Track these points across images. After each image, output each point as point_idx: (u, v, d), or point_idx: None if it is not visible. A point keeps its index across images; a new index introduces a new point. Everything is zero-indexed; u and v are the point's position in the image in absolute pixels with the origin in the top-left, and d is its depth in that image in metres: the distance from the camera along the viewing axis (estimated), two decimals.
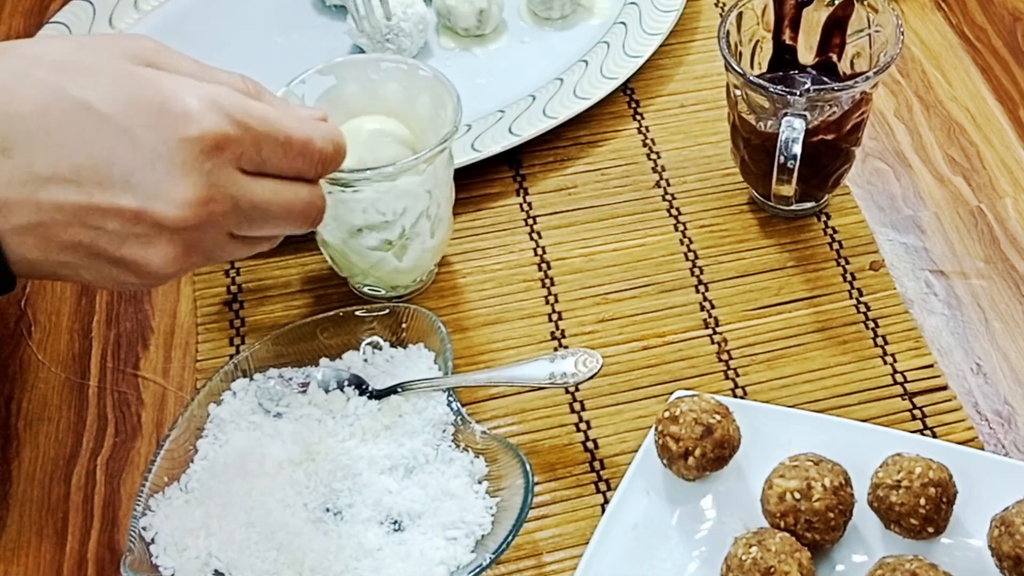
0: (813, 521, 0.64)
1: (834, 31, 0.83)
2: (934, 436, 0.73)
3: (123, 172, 0.56)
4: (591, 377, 0.71)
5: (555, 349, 0.79)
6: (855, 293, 0.82)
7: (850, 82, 0.79)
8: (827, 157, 0.81)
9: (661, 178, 0.90)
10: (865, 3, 0.82)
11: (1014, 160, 0.90)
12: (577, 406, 0.76)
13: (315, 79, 0.78)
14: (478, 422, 0.72)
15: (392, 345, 0.76)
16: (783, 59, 0.85)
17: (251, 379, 0.74)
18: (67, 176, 0.56)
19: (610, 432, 0.75)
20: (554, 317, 0.81)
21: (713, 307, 0.82)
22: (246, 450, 0.70)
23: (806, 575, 0.62)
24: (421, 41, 0.98)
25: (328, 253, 0.81)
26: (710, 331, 0.80)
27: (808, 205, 0.86)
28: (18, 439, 0.76)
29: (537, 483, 0.72)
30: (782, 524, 0.64)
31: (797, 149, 0.76)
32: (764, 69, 0.85)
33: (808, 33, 0.84)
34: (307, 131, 0.62)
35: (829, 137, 0.80)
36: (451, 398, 0.73)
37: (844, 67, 0.84)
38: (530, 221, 0.88)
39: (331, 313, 0.77)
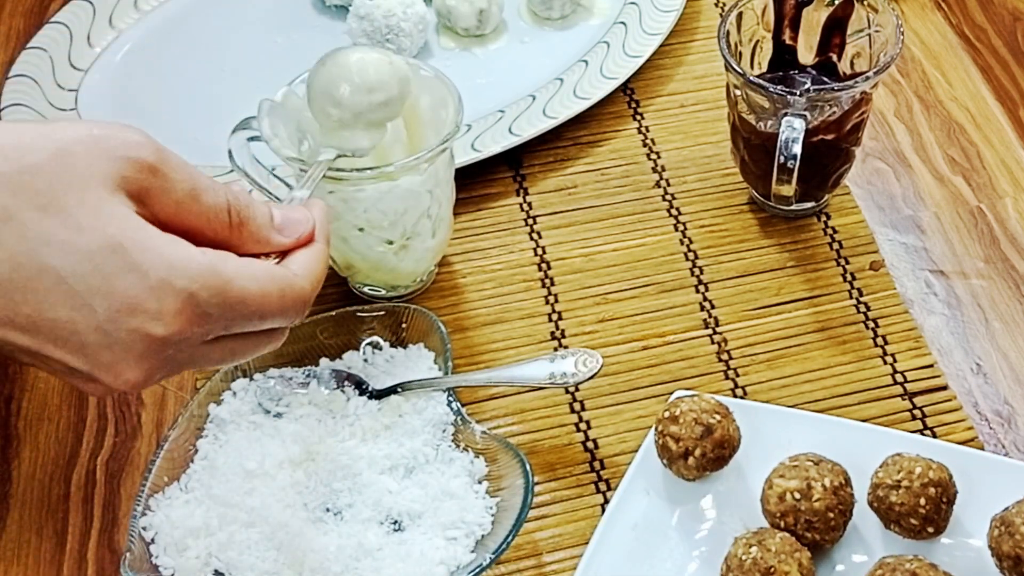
0: (813, 521, 0.64)
1: (834, 31, 0.83)
2: (934, 436, 0.73)
3: (79, 342, 0.54)
4: (591, 377, 0.71)
5: (555, 349, 0.79)
6: (855, 293, 0.82)
7: (850, 82, 0.79)
8: (827, 157, 0.81)
9: (661, 178, 0.90)
10: (865, 3, 0.82)
11: (1014, 160, 0.90)
12: (577, 406, 0.76)
13: None
14: (478, 422, 0.72)
15: (392, 345, 0.76)
16: (783, 59, 0.84)
17: (251, 379, 0.74)
18: (23, 325, 0.54)
19: (610, 432, 0.75)
20: (554, 317, 0.82)
21: (713, 307, 0.82)
22: (246, 450, 0.70)
23: (806, 575, 0.62)
24: (421, 41, 0.98)
25: (328, 253, 0.81)
26: (710, 331, 0.80)
27: (808, 205, 0.86)
28: (18, 439, 0.76)
29: (537, 483, 0.72)
30: (782, 524, 0.64)
31: (797, 149, 0.76)
32: (764, 69, 0.85)
33: (808, 33, 0.84)
34: (284, 301, 0.58)
35: (829, 137, 0.80)
36: (451, 398, 0.73)
37: (844, 67, 0.84)
38: (530, 221, 0.88)
39: (331, 313, 0.77)
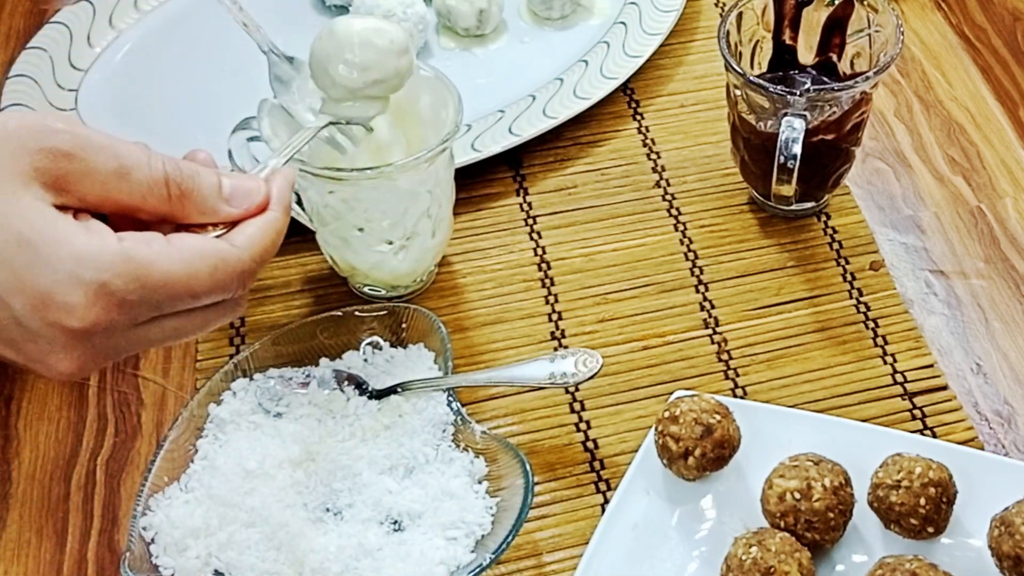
0: (813, 521, 0.64)
1: (834, 31, 0.83)
2: (934, 436, 0.73)
3: (8, 337, 0.54)
4: (591, 377, 0.71)
5: (555, 349, 0.79)
6: (855, 293, 0.82)
7: (850, 82, 0.79)
8: (827, 157, 0.81)
9: (661, 178, 0.90)
10: (865, 3, 0.82)
11: (1014, 160, 0.90)
12: (577, 406, 0.76)
13: None
14: (478, 422, 0.72)
15: (392, 345, 0.76)
16: (783, 59, 0.84)
17: (251, 379, 0.74)
18: None
19: (610, 432, 0.75)
20: (554, 317, 0.81)
21: (713, 307, 0.82)
22: (246, 450, 0.70)
23: (806, 575, 0.62)
24: (421, 41, 0.98)
25: (328, 253, 0.81)
26: (710, 331, 0.80)
27: (808, 205, 0.86)
28: (18, 439, 0.76)
29: (537, 483, 0.72)
30: (782, 524, 0.64)
31: (797, 149, 0.76)
32: (764, 69, 0.85)
33: (808, 33, 0.84)
34: (216, 276, 0.57)
35: (829, 137, 0.80)
36: (451, 398, 0.73)
37: (844, 67, 0.84)
38: (530, 221, 0.88)
39: (331, 313, 0.77)
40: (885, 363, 0.78)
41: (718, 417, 0.67)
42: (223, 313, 0.60)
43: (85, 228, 0.54)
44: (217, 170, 0.60)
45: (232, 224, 0.59)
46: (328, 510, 0.69)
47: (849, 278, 0.83)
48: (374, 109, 0.73)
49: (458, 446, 0.71)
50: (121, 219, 0.57)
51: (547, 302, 0.82)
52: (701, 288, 0.83)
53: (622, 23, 0.99)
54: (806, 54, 0.85)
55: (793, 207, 0.82)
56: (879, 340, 0.79)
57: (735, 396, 0.76)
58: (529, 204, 0.89)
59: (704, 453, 0.66)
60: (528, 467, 0.67)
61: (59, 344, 0.54)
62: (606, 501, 0.71)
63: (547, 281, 0.84)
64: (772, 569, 0.61)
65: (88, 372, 0.57)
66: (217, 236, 0.58)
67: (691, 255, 0.85)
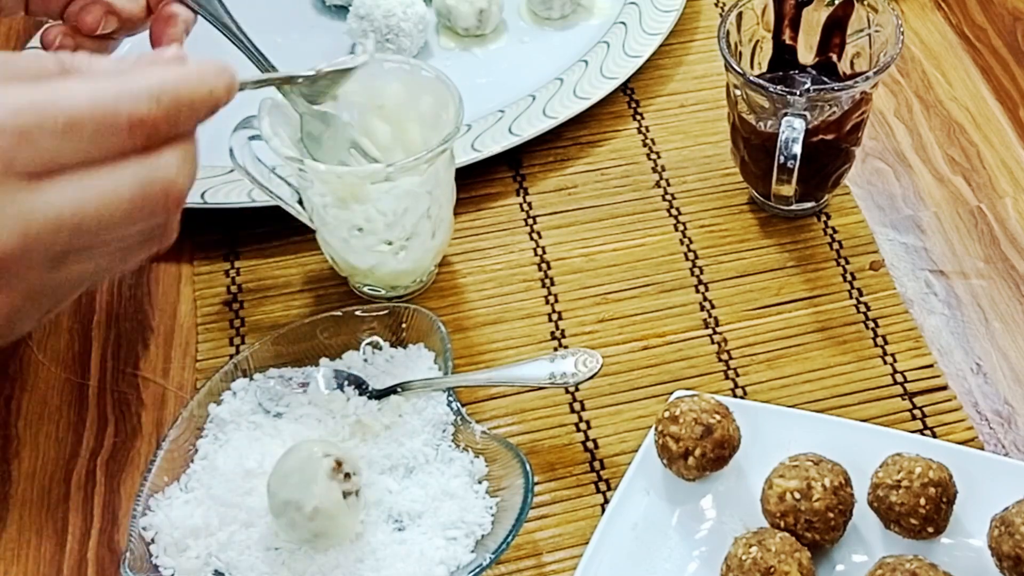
0: (813, 521, 0.64)
1: (834, 31, 0.83)
2: (934, 436, 0.73)
3: None
4: (591, 377, 0.71)
5: (555, 349, 0.79)
6: (855, 293, 0.82)
7: (850, 82, 0.79)
8: (827, 157, 0.81)
9: (661, 178, 0.90)
10: (865, 3, 0.82)
11: (1014, 160, 0.90)
12: (577, 406, 0.76)
13: None
14: (478, 422, 0.72)
15: (392, 345, 0.76)
16: (783, 59, 0.85)
17: (251, 379, 0.74)
18: None
19: (610, 432, 0.75)
20: (554, 317, 0.81)
21: (713, 307, 0.82)
22: (246, 450, 0.70)
23: (806, 575, 0.62)
24: (421, 41, 0.98)
25: (328, 253, 0.81)
26: (710, 331, 0.80)
27: (808, 205, 0.86)
28: (18, 439, 0.76)
29: (537, 483, 0.72)
30: (782, 524, 0.64)
31: (797, 149, 0.76)
32: (764, 69, 0.85)
33: (808, 33, 0.84)
34: (116, 91, 0.46)
35: (829, 137, 0.80)
36: (451, 398, 0.73)
37: (844, 67, 0.84)
38: (530, 221, 0.88)
39: (331, 313, 0.77)
40: (885, 363, 0.78)
41: (718, 417, 0.67)
42: (144, 196, 0.48)
43: None
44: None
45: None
46: None
47: (849, 278, 0.83)
48: None
49: (458, 446, 0.71)
50: None
51: (547, 302, 0.82)
52: (701, 288, 0.83)
53: (622, 23, 0.99)
54: (806, 54, 0.85)
55: (793, 207, 0.82)
56: (879, 340, 0.79)
57: (735, 396, 0.76)
58: (529, 204, 0.89)
59: (704, 453, 0.66)
60: (528, 467, 0.67)
61: None
62: (606, 501, 0.71)
63: (547, 281, 0.84)
64: (772, 569, 0.61)
65: (26, 324, 0.47)
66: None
67: (691, 255, 0.85)
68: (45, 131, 0.45)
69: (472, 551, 0.66)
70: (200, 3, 0.76)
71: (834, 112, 0.79)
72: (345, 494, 0.65)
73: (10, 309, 0.46)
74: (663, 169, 0.91)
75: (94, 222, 0.46)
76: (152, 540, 0.67)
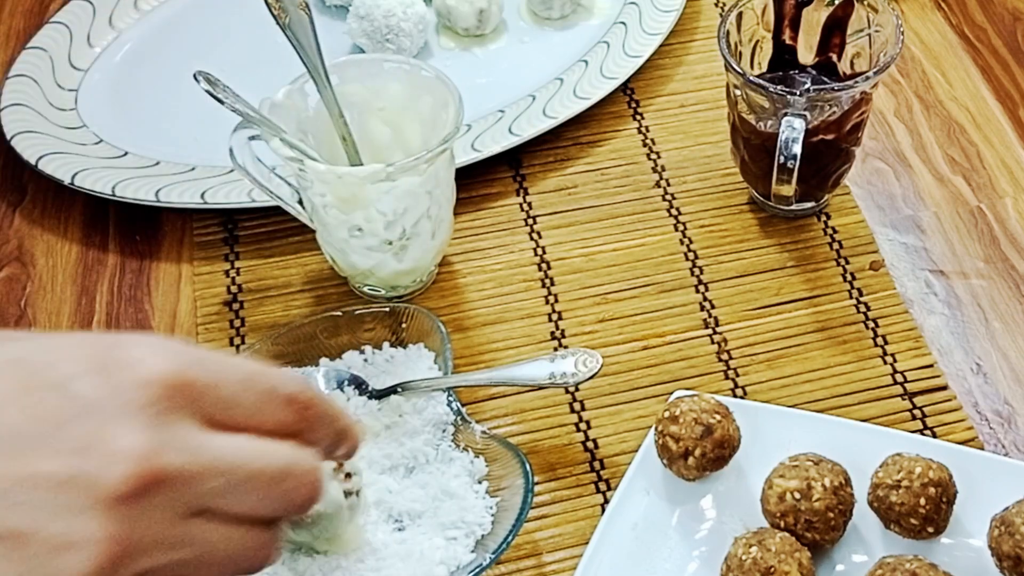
0: (813, 521, 0.64)
1: (834, 31, 0.83)
2: (934, 436, 0.73)
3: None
4: (591, 377, 0.71)
5: (555, 349, 0.79)
6: (855, 293, 0.82)
7: (850, 82, 0.79)
8: (827, 157, 0.81)
9: (661, 178, 0.90)
10: (865, 3, 0.82)
11: (1014, 160, 0.90)
12: (577, 406, 0.76)
13: None
14: (478, 422, 0.72)
15: (392, 345, 0.76)
16: (783, 59, 0.84)
17: None
18: None
19: (610, 432, 0.75)
20: (554, 317, 0.81)
21: (713, 307, 0.82)
22: None
23: (806, 575, 0.62)
24: (421, 41, 0.98)
25: (328, 253, 0.81)
26: (710, 331, 0.80)
27: (808, 205, 0.86)
28: None
29: (537, 483, 0.72)
30: (782, 524, 0.64)
31: (797, 149, 0.76)
32: (764, 69, 0.85)
33: (808, 33, 0.84)
34: (268, 369, 0.49)
35: (829, 137, 0.80)
36: (451, 398, 0.73)
37: (844, 67, 0.84)
38: (530, 221, 0.88)
39: (331, 313, 0.77)
40: (885, 363, 0.78)
41: (718, 417, 0.67)
42: (293, 485, 0.48)
43: None
44: None
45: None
46: None
47: (849, 278, 0.83)
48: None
49: (458, 446, 0.71)
50: None
51: (547, 302, 0.82)
52: (701, 288, 0.83)
53: (622, 23, 0.99)
54: (806, 54, 0.85)
55: (793, 207, 0.82)
56: (879, 340, 0.79)
57: (735, 396, 0.76)
58: (529, 204, 0.89)
59: (704, 453, 0.66)
60: (528, 467, 0.67)
61: (119, 416, 0.43)
62: (606, 501, 0.71)
63: (547, 281, 0.84)
64: (772, 569, 0.61)
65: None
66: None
67: (691, 255, 0.85)
68: (229, 380, 0.47)
69: (472, 551, 0.66)
70: (301, 44, 0.77)
71: (834, 112, 0.79)
72: (346, 494, 0.65)
73: (132, 543, 0.44)
74: (663, 169, 0.91)
75: (244, 478, 0.47)
76: None
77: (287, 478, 0.48)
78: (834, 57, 0.84)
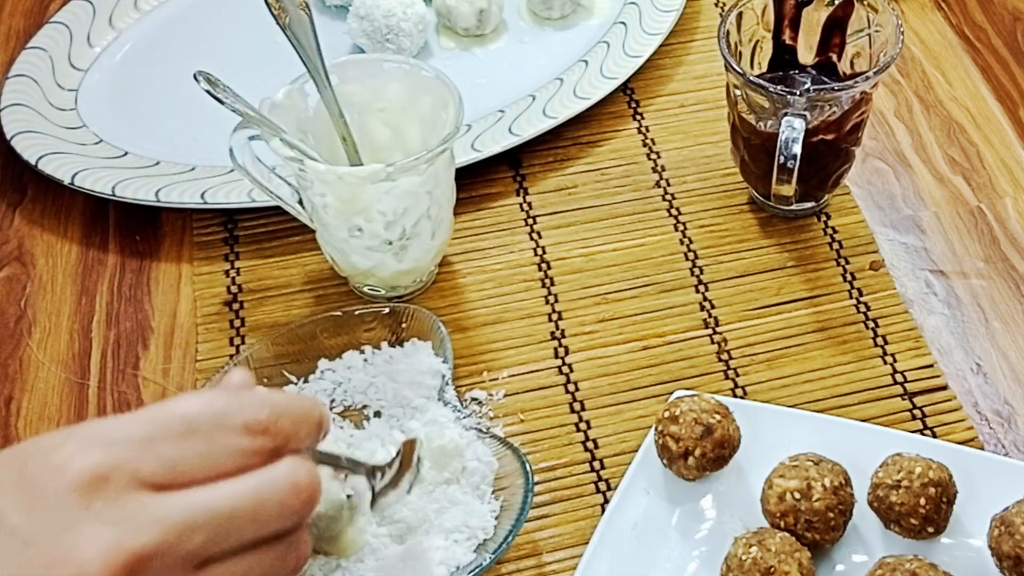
0: (813, 521, 0.64)
1: (834, 31, 0.83)
2: (934, 436, 0.73)
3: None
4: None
5: (555, 349, 0.79)
6: (855, 293, 0.82)
7: (850, 82, 0.79)
8: (827, 157, 0.81)
9: (661, 178, 0.90)
10: (865, 3, 0.82)
11: (1014, 160, 0.90)
12: (577, 406, 0.76)
13: None
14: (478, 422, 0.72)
15: (392, 345, 0.76)
16: (783, 59, 0.84)
17: None
18: None
19: (610, 432, 0.75)
20: (554, 317, 0.81)
21: (713, 307, 0.82)
22: None
23: (806, 575, 0.62)
24: (421, 41, 0.98)
25: (328, 253, 0.81)
26: (710, 331, 0.80)
27: (808, 205, 0.86)
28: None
29: (537, 483, 0.72)
30: (782, 524, 0.64)
31: (797, 149, 0.76)
32: (764, 69, 0.85)
33: (808, 33, 0.84)
34: (226, 398, 0.49)
35: (829, 137, 0.80)
36: (451, 398, 0.73)
37: (844, 67, 0.84)
38: (530, 221, 0.88)
39: (331, 313, 0.77)
40: (885, 363, 0.78)
41: (718, 417, 0.67)
42: (285, 494, 0.49)
43: None
44: None
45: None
46: None
47: (849, 278, 0.83)
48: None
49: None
50: None
51: (547, 302, 0.82)
52: (701, 288, 0.83)
53: (622, 23, 0.99)
54: (806, 54, 0.85)
55: (793, 207, 0.82)
56: (879, 340, 0.79)
57: (735, 396, 0.76)
58: (529, 204, 0.89)
59: (704, 453, 0.66)
60: (528, 467, 0.67)
61: (61, 527, 0.44)
62: (606, 501, 0.71)
63: (547, 281, 0.84)
64: (772, 569, 0.61)
65: None
66: None
67: (691, 255, 0.85)
68: (166, 438, 0.46)
69: (472, 551, 0.66)
70: (302, 44, 0.76)
71: (834, 112, 0.79)
72: (348, 495, 0.65)
73: None
74: (663, 169, 0.91)
75: (226, 520, 0.46)
76: None
77: (267, 501, 0.47)
78: (834, 57, 0.84)
